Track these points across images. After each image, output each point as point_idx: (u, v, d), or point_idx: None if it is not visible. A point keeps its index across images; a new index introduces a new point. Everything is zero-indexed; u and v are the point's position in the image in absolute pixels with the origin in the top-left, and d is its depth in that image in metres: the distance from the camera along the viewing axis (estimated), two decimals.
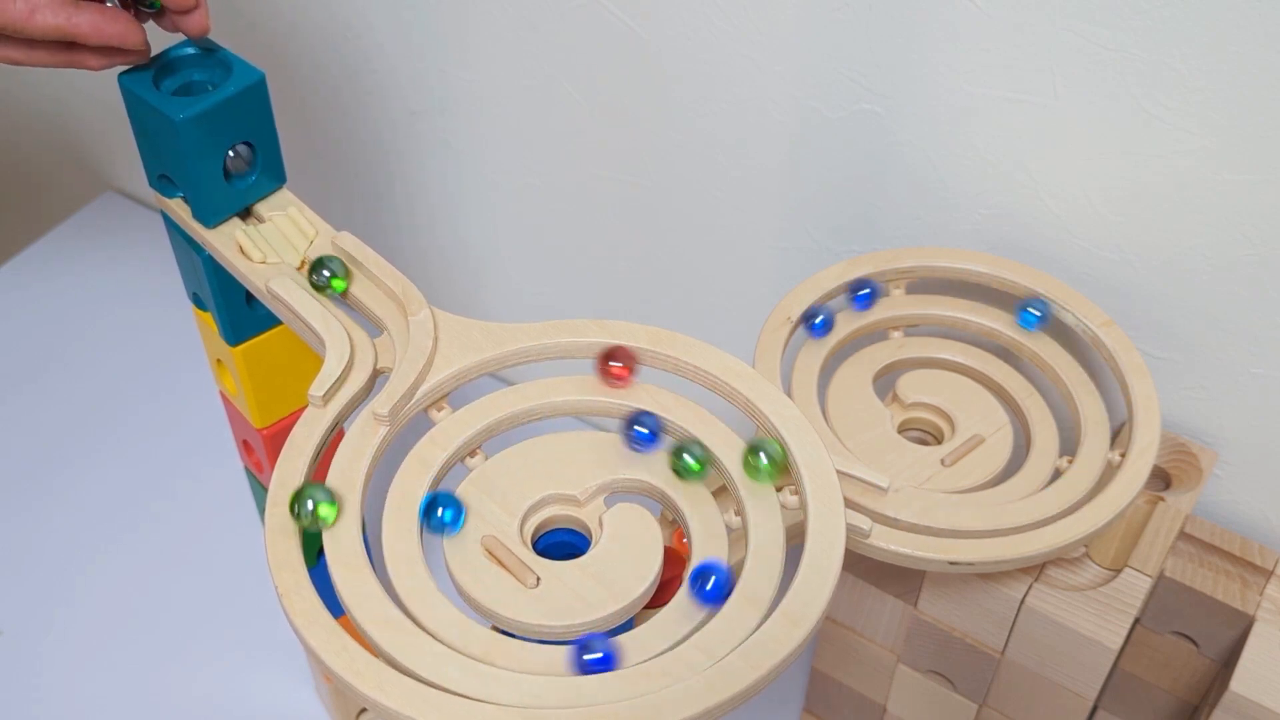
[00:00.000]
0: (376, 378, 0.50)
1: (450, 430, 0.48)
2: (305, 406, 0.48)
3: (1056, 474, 0.57)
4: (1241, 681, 0.56)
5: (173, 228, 0.59)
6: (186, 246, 0.58)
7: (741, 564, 0.44)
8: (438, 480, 0.47)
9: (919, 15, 0.60)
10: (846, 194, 0.69)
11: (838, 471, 0.46)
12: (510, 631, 0.43)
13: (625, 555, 0.45)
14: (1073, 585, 0.59)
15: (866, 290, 0.61)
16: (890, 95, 0.63)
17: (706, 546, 0.45)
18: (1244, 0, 0.52)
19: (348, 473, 0.46)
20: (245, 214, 0.57)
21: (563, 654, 0.42)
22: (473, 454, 0.49)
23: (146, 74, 0.53)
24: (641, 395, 0.49)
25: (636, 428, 0.47)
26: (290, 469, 0.46)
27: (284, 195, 0.57)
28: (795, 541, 0.45)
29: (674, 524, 0.49)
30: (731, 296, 0.80)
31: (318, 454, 0.47)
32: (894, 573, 0.63)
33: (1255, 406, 0.63)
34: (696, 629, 0.42)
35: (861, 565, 0.63)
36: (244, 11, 0.86)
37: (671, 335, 0.50)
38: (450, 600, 0.43)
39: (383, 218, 0.94)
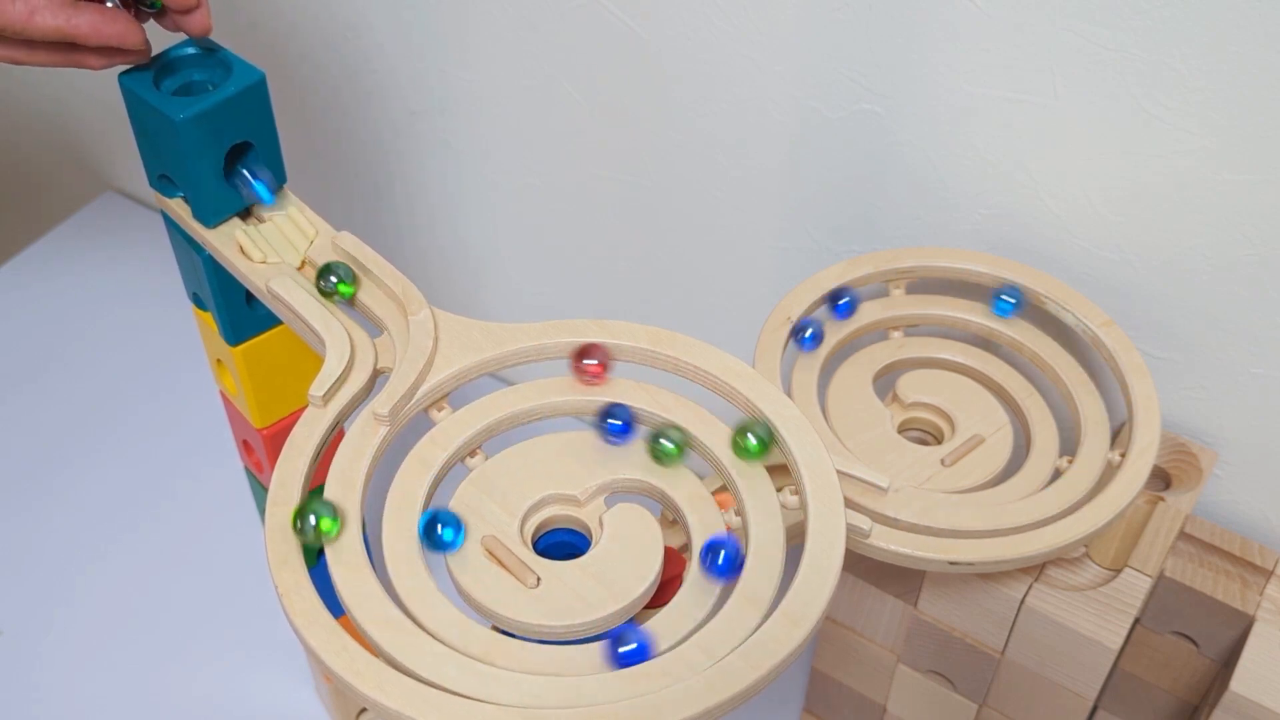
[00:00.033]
0: (377, 378, 0.50)
1: (450, 430, 0.48)
2: (305, 406, 0.48)
3: (1056, 474, 0.57)
4: (1241, 681, 0.56)
5: (173, 228, 0.59)
6: (186, 246, 0.58)
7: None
8: (438, 480, 0.47)
9: (919, 15, 0.60)
10: (846, 194, 0.69)
11: (838, 471, 0.46)
12: (510, 631, 0.43)
13: (625, 555, 0.45)
14: (1073, 585, 0.59)
15: (845, 300, 0.61)
16: (890, 95, 0.63)
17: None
18: (1244, 0, 0.52)
19: (348, 473, 0.46)
20: (245, 214, 0.57)
21: (563, 654, 0.42)
22: (473, 454, 0.49)
23: (147, 74, 0.53)
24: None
25: (610, 420, 0.47)
26: (290, 469, 0.46)
27: (284, 195, 0.57)
28: (795, 541, 0.45)
29: (674, 523, 0.49)
30: (731, 296, 0.80)
31: (318, 454, 0.47)
32: (894, 573, 0.63)
33: (1255, 406, 0.63)
34: (697, 629, 0.42)
35: (861, 565, 0.63)
36: (244, 11, 0.86)
37: (671, 335, 0.50)
38: (450, 600, 0.43)
39: (383, 218, 0.94)
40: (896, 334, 0.63)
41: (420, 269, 0.96)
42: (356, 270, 0.53)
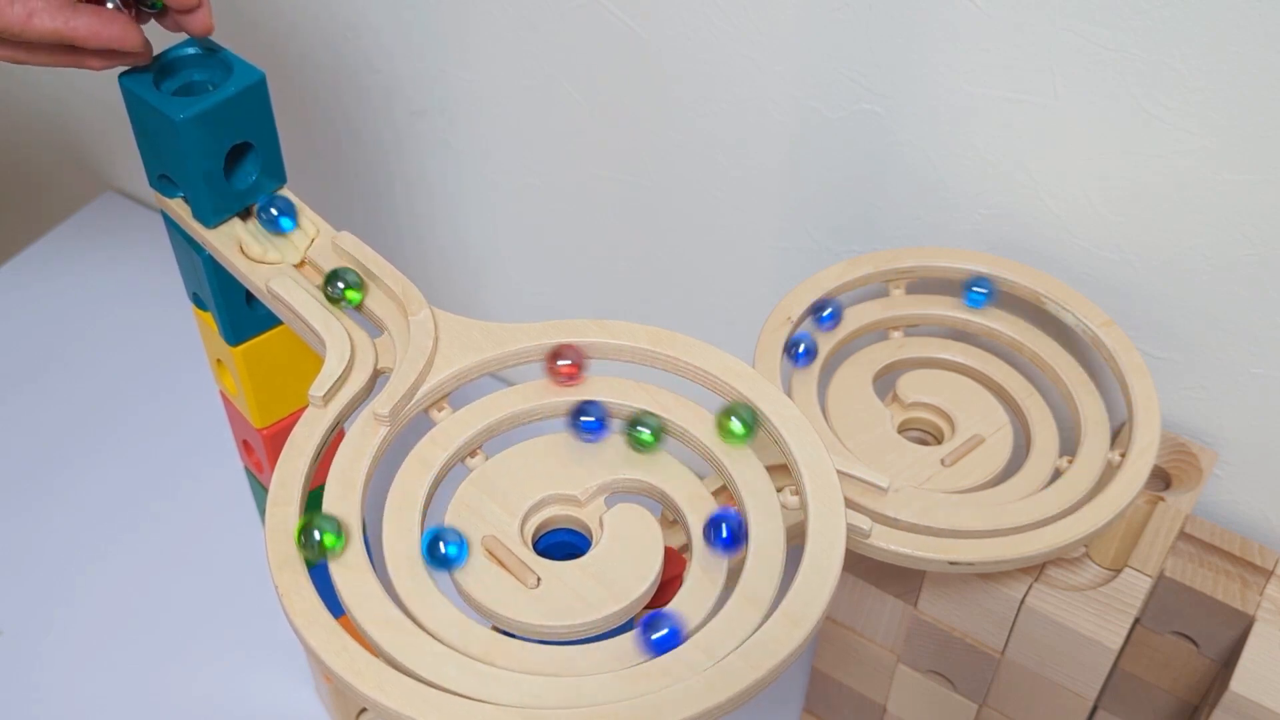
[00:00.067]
0: (377, 378, 0.50)
1: (450, 430, 0.48)
2: (305, 406, 0.48)
3: (1056, 474, 0.57)
4: (1241, 681, 0.56)
5: (173, 228, 0.59)
6: (187, 246, 0.58)
7: (742, 564, 0.44)
8: (438, 480, 0.47)
9: (919, 15, 0.60)
10: (846, 194, 0.69)
11: (838, 471, 0.46)
12: (510, 631, 0.43)
13: (626, 555, 0.45)
14: (1073, 585, 0.59)
15: (829, 310, 0.61)
16: (890, 95, 0.63)
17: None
18: (1244, 0, 0.52)
19: (348, 473, 0.46)
20: (245, 214, 0.57)
21: (563, 654, 0.42)
22: (473, 454, 0.49)
23: (147, 74, 0.53)
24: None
25: (583, 418, 0.47)
26: (290, 469, 0.46)
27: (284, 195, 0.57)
28: (795, 541, 0.45)
29: (674, 523, 0.49)
30: (731, 296, 0.80)
31: (318, 454, 0.47)
32: (894, 573, 0.63)
33: (1255, 406, 0.63)
34: (697, 629, 0.42)
35: (861, 565, 0.63)
36: (244, 11, 0.86)
37: (671, 335, 0.50)
38: (450, 600, 0.43)
39: (383, 218, 0.95)
40: (896, 334, 0.63)
41: (420, 269, 0.96)
42: (361, 275, 0.53)
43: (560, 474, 0.47)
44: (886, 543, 0.51)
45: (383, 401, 0.47)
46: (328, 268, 0.53)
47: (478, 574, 0.44)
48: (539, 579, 0.44)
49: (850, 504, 0.49)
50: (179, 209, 0.56)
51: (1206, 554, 0.61)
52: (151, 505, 0.91)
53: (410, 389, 0.48)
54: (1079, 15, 0.56)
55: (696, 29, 0.67)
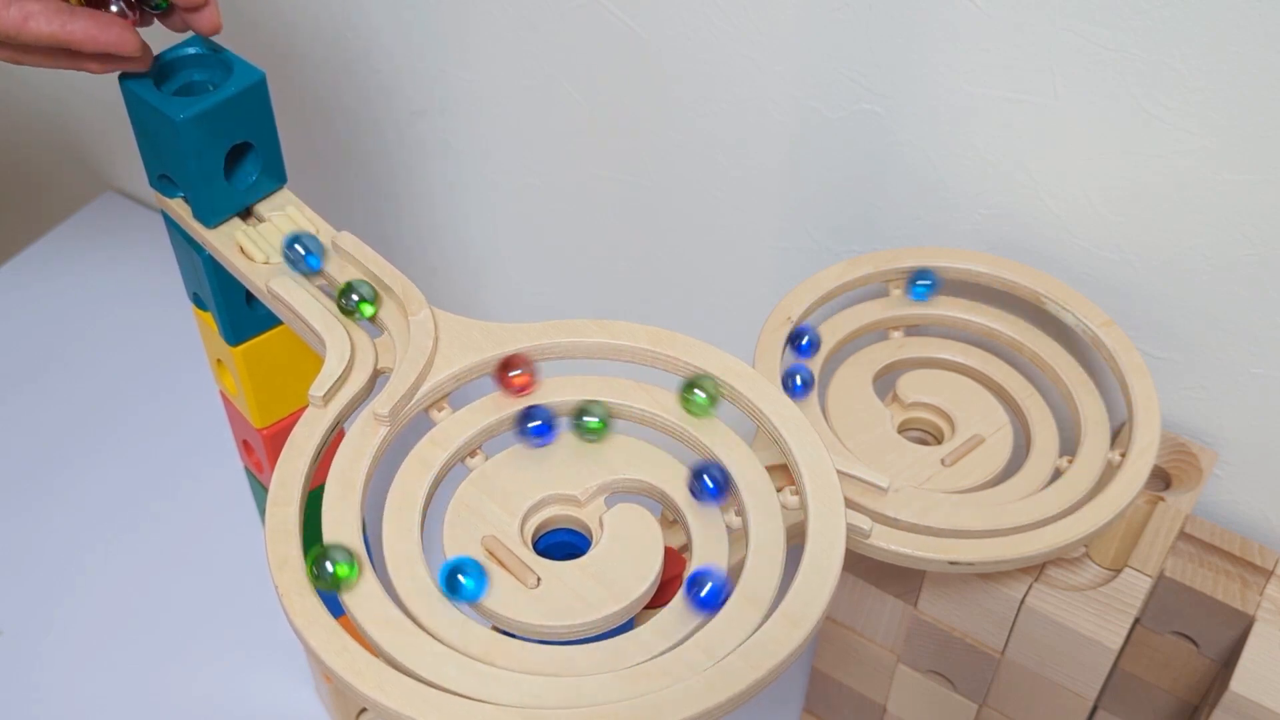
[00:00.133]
0: (377, 378, 0.50)
1: (450, 430, 0.48)
2: (305, 406, 0.48)
3: (1056, 474, 0.57)
4: (1241, 681, 0.56)
5: (173, 228, 0.59)
6: (187, 246, 0.58)
7: (741, 564, 0.44)
8: (438, 480, 0.47)
9: (919, 15, 0.60)
10: (846, 194, 0.69)
11: (838, 471, 0.46)
12: (510, 631, 0.43)
13: (625, 555, 0.45)
14: (1073, 585, 0.59)
15: (805, 340, 0.60)
16: (890, 95, 0.63)
17: (707, 547, 0.45)
18: (1244, 0, 0.52)
19: (348, 473, 0.46)
20: (245, 214, 0.57)
21: (563, 653, 0.42)
22: (473, 454, 0.49)
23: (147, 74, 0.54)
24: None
25: (530, 424, 0.47)
26: (290, 469, 0.46)
27: (284, 195, 0.57)
28: (795, 541, 0.45)
29: (674, 523, 0.49)
30: (731, 296, 0.80)
31: (318, 454, 0.47)
32: (894, 573, 0.63)
33: (1255, 406, 0.63)
34: (697, 629, 0.42)
35: (861, 565, 0.63)
36: (244, 11, 0.86)
37: (671, 335, 0.50)
38: (450, 600, 0.43)
39: (383, 218, 0.95)
40: (896, 334, 0.63)
41: (420, 269, 0.96)
42: (351, 266, 0.53)
43: (560, 474, 0.47)
44: (886, 543, 0.51)
45: (383, 401, 0.47)
46: (328, 268, 0.53)
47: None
48: (539, 579, 0.44)
49: (850, 504, 0.49)
50: (179, 209, 0.56)
51: (1206, 554, 0.61)
52: (151, 505, 0.91)
53: (410, 389, 0.48)
54: (1079, 15, 0.56)
55: (696, 29, 0.67)
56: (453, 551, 0.44)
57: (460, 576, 0.43)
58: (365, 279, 0.52)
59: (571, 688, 0.40)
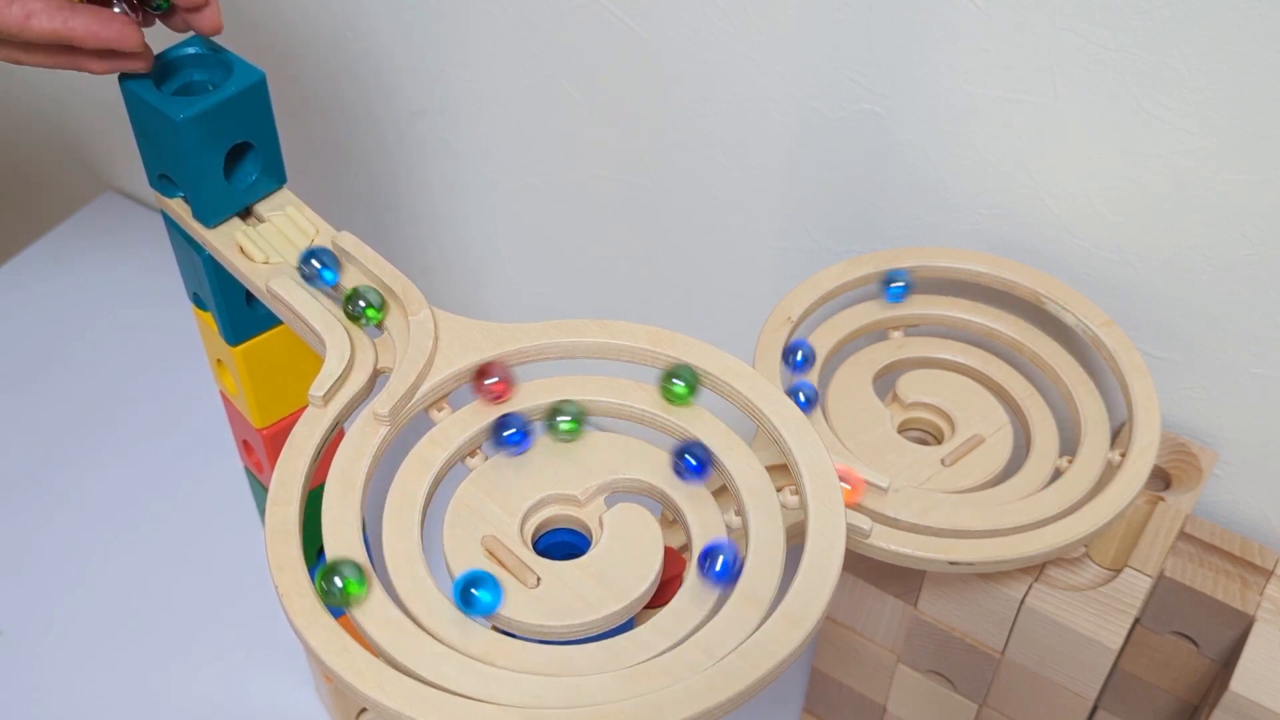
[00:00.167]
0: (377, 378, 0.50)
1: (450, 430, 0.48)
2: (305, 406, 0.48)
3: (1056, 474, 0.57)
4: (1241, 681, 0.56)
5: (173, 228, 0.59)
6: (187, 246, 0.58)
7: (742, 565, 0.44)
8: (438, 480, 0.47)
9: (919, 15, 0.60)
10: (846, 194, 0.69)
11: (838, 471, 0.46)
12: (510, 631, 0.43)
13: (625, 555, 0.45)
14: (1073, 585, 0.59)
15: (799, 355, 0.60)
16: (890, 95, 0.63)
17: (706, 539, 0.45)
18: (1244, 0, 0.52)
19: (348, 472, 0.46)
20: (245, 214, 0.57)
21: (563, 653, 0.42)
22: (473, 454, 0.49)
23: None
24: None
25: (505, 433, 0.47)
26: (290, 469, 0.46)
27: (284, 195, 0.57)
28: (795, 541, 0.45)
29: (674, 523, 0.49)
30: (731, 296, 0.80)
31: (318, 454, 0.47)
32: (894, 573, 0.63)
33: (1255, 406, 0.63)
34: (697, 629, 0.42)
35: (861, 565, 0.63)
36: (244, 11, 0.86)
37: (671, 335, 0.50)
38: (450, 600, 0.43)
39: (383, 218, 0.95)
40: (896, 334, 0.63)
41: (420, 269, 0.96)
42: (351, 265, 0.53)
43: (560, 474, 0.47)
44: (886, 543, 0.51)
45: (383, 401, 0.47)
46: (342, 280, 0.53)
47: None
48: (539, 579, 0.44)
49: (850, 504, 0.49)
50: (179, 209, 0.56)
51: (1206, 554, 0.61)
52: (151, 505, 0.91)
53: (410, 389, 0.48)
54: (1079, 15, 0.56)
55: (696, 29, 0.67)
56: (453, 551, 0.44)
57: (474, 590, 0.42)
58: (370, 284, 0.52)
59: (571, 688, 0.40)
